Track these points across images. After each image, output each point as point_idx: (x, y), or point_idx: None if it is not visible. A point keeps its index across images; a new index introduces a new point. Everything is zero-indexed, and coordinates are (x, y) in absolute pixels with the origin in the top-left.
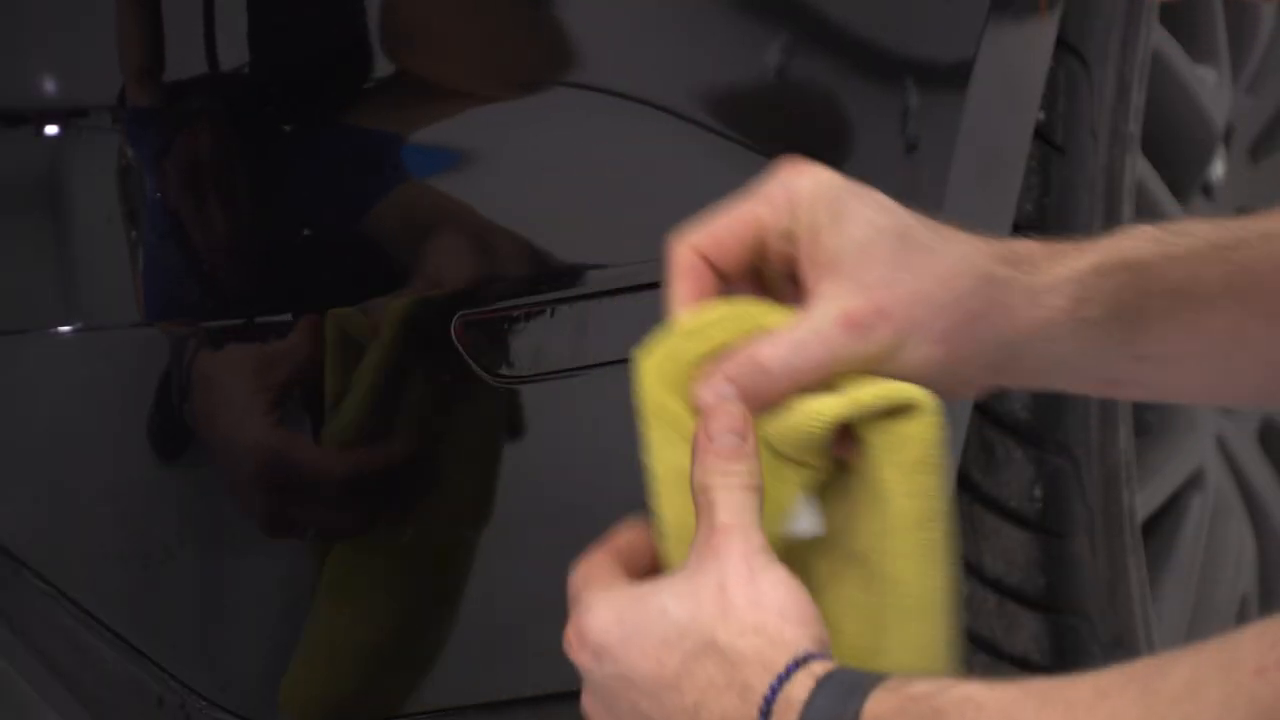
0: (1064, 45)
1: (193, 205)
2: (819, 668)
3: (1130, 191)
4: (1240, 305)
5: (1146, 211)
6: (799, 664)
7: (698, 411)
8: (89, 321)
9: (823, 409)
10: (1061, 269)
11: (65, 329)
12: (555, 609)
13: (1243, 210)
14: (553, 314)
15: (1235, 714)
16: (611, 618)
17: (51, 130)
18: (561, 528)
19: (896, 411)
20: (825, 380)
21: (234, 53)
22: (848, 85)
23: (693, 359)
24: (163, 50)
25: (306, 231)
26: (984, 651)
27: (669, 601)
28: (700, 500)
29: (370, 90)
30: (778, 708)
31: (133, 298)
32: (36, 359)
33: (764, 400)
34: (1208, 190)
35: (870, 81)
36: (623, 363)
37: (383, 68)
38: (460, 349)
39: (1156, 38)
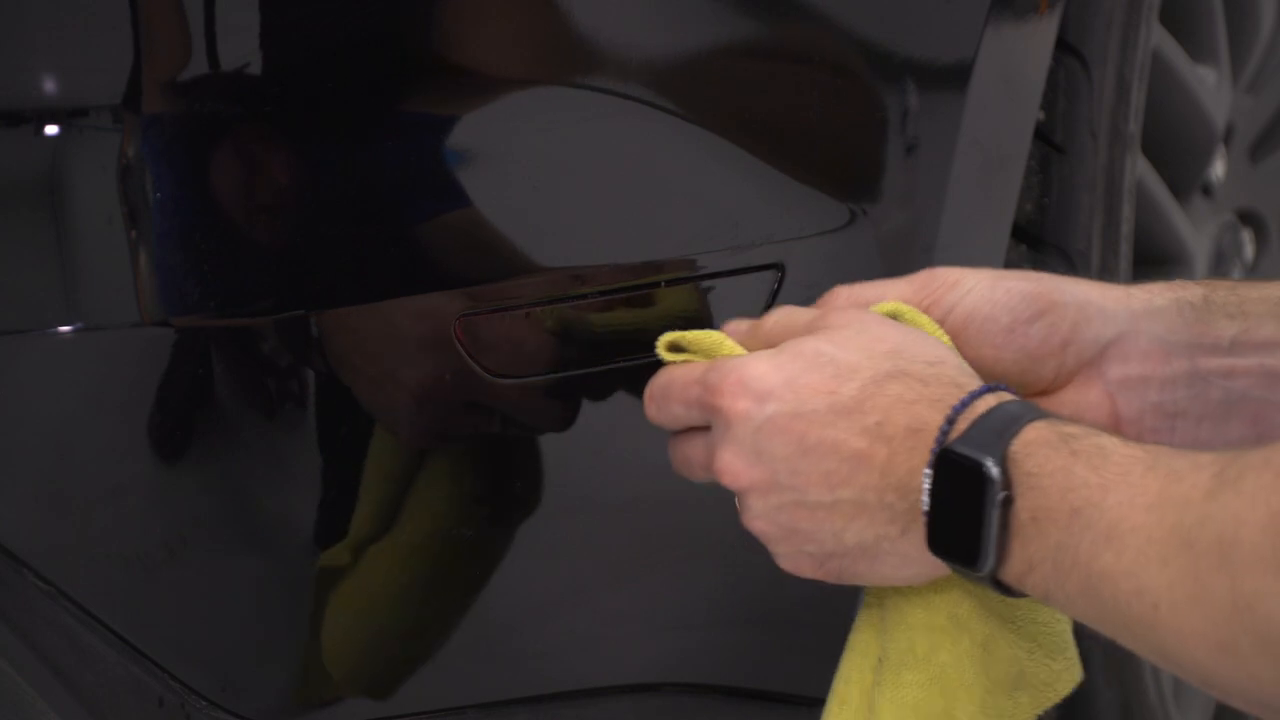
0: (1064, 45)
1: (196, 203)
2: (1005, 395)
3: (1130, 191)
4: None
5: (1146, 211)
6: (989, 389)
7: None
8: (89, 321)
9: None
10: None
11: (65, 329)
12: (555, 609)
13: (1243, 210)
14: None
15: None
16: (769, 366)
17: (51, 130)
18: (562, 527)
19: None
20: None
21: (238, 52)
22: (848, 85)
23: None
24: (174, 51)
25: (313, 230)
26: None
27: (825, 347)
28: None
29: (373, 89)
30: (963, 416)
31: (133, 298)
32: (36, 359)
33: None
34: (1208, 190)
35: (870, 81)
36: (625, 363)
37: (385, 66)
38: (461, 349)
39: (1156, 38)
